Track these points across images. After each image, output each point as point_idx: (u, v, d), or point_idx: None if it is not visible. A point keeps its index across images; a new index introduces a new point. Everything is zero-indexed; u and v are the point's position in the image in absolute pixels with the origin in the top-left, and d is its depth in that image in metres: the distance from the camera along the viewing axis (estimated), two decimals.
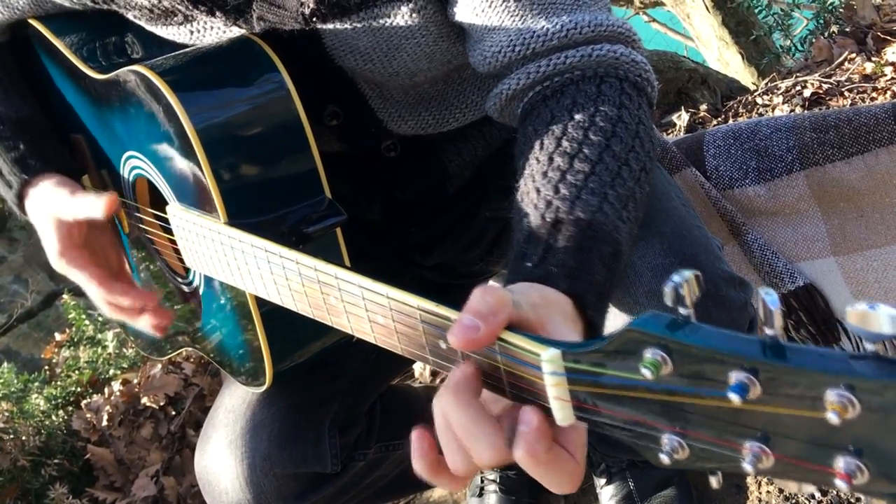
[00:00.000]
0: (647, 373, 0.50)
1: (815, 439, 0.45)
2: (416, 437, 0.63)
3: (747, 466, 0.48)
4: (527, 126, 0.88)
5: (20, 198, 1.10)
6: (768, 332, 0.47)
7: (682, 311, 0.51)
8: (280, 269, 0.83)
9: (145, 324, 1.09)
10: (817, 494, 1.50)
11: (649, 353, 0.51)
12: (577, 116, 0.84)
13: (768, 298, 0.46)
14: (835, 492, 1.50)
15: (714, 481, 0.53)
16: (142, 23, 1.09)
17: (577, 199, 0.75)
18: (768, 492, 1.55)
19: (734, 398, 0.46)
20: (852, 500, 1.48)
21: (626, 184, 0.79)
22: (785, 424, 0.46)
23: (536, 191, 0.78)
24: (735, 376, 0.47)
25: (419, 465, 0.63)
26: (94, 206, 1.02)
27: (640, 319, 0.52)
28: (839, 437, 0.45)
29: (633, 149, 0.82)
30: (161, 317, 1.09)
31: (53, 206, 1.06)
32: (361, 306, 0.72)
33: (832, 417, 0.43)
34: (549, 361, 0.57)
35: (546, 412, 0.59)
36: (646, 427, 0.53)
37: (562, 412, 0.58)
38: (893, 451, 0.43)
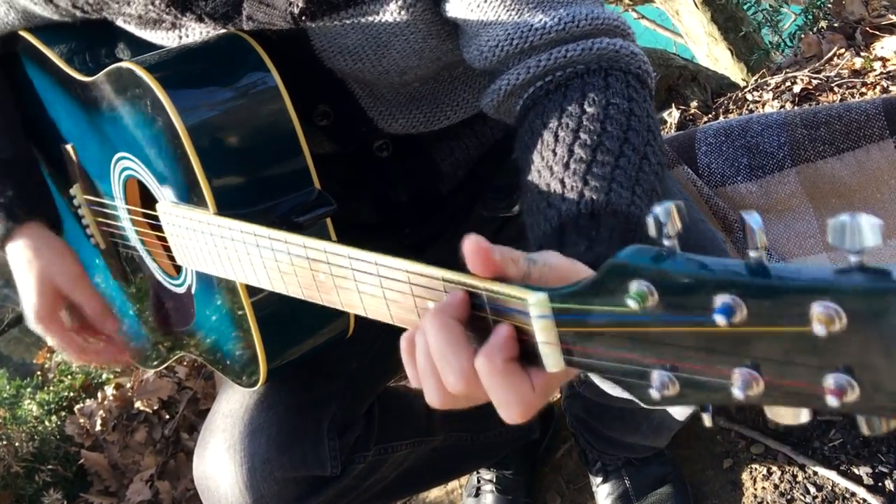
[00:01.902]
0: (632, 304, 0.50)
1: (803, 358, 0.45)
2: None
3: (738, 393, 0.47)
4: (533, 120, 0.87)
5: (5, 239, 1.14)
6: (752, 253, 0.46)
7: (665, 242, 0.50)
8: (269, 251, 0.83)
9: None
10: (812, 489, 1.51)
11: (634, 285, 0.50)
12: (590, 109, 0.83)
13: (750, 219, 0.46)
14: (830, 487, 1.50)
15: (706, 419, 0.53)
16: (131, 28, 1.09)
17: (609, 191, 0.75)
18: (763, 488, 1.55)
19: (720, 321, 0.46)
20: (847, 496, 1.48)
21: (647, 178, 0.78)
22: (773, 346, 0.46)
23: (561, 182, 0.77)
24: (720, 299, 0.46)
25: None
26: (100, 318, 1.15)
27: (625, 252, 0.52)
28: (827, 354, 0.44)
29: (648, 142, 0.82)
30: (119, 353, 1.20)
31: (52, 273, 1.11)
32: (350, 278, 0.73)
33: (818, 329, 0.42)
34: (536, 305, 0.57)
35: (536, 361, 0.59)
36: (635, 364, 0.53)
37: (552, 357, 0.58)
38: (882, 362, 0.42)
